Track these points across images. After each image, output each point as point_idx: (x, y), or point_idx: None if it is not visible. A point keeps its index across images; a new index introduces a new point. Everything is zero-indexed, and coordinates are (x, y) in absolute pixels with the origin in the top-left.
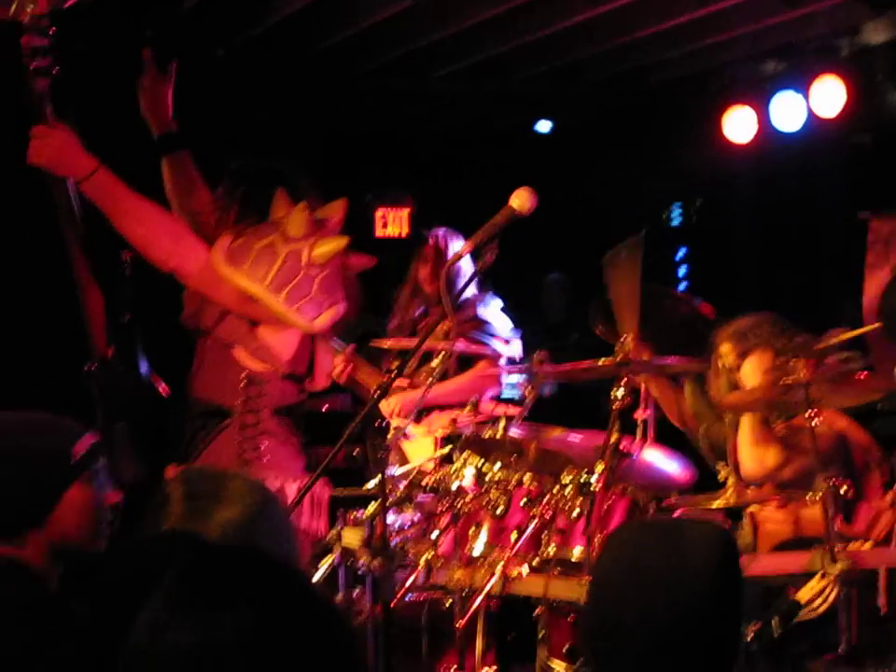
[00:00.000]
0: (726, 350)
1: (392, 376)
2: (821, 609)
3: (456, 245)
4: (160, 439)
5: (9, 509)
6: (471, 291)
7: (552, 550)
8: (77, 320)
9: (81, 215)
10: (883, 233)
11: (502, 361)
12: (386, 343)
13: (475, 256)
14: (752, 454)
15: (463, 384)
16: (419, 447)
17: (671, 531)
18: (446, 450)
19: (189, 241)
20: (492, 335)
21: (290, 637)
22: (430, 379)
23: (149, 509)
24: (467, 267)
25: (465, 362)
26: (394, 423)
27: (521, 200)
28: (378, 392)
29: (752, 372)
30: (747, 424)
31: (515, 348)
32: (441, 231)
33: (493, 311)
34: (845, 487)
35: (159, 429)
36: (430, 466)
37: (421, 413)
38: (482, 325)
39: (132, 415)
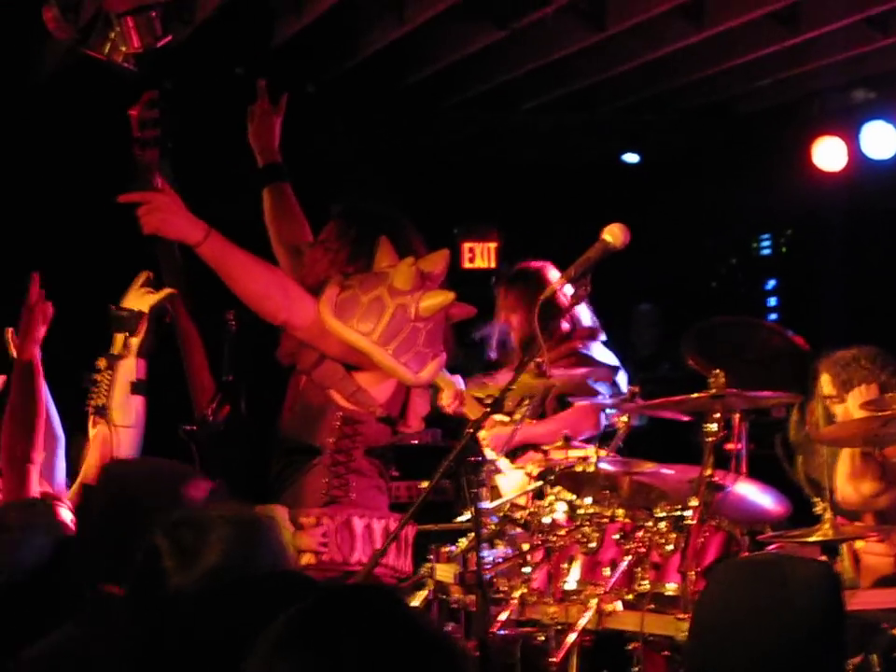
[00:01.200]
0: (825, 380)
1: (486, 412)
2: None
3: (553, 275)
4: (259, 494)
5: (121, 557)
6: (572, 325)
7: (646, 585)
8: (180, 380)
9: (186, 276)
10: None
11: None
12: (479, 392)
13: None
14: (849, 482)
15: (559, 423)
16: (512, 482)
17: (774, 569)
18: (538, 484)
19: (298, 294)
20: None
21: None
22: (520, 416)
23: (136, 561)
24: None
25: (563, 401)
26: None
27: (614, 234)
28: (472, 428)
29: (855, 407)
30: (846, 455)
31: (621, 385)
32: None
33: (597, 346)
34: None
35: (258, 485)
36: (523, 500)
37: (516, 452)
38: (582, 360)
39: (231, 473)
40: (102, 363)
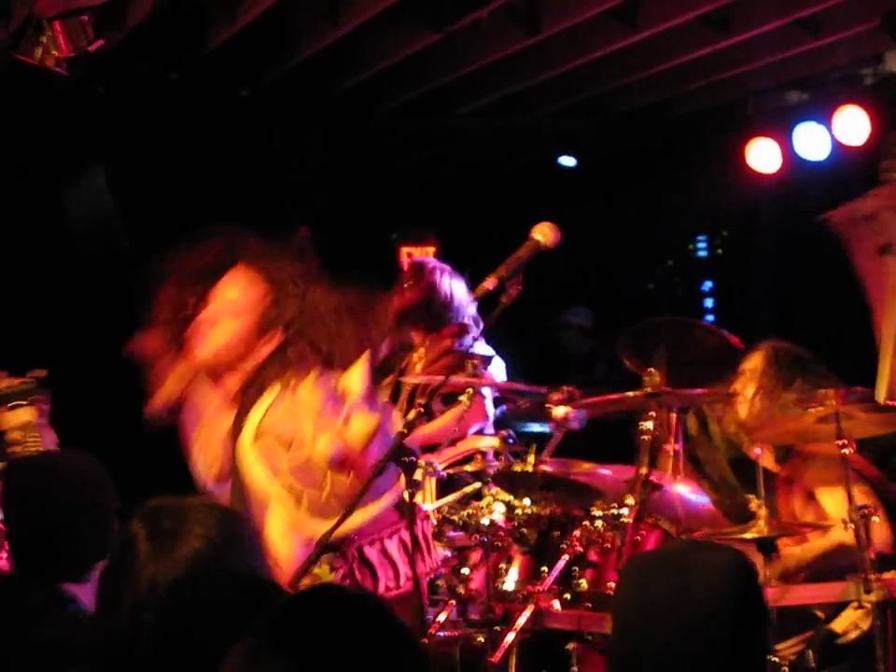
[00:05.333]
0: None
1: (419, 412)
2: (851, 636)
3: (445, 280)
4: None
5: (77, 553)
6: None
7: (583, 584)
8: None
9: None
10: (844, 225)
11: (486, 391)
12: (413, 379)
13: (500, 289)
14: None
15: (449, 422)
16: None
17: (678, 560)
18: (476, 485)
19: None
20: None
21: None
22: (460, 416)
23: (112, 549)
24: (462, 299)
25: (448, 399)
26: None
27: (544, 233)
28: (406, 429)
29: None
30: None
31: (499, 374)
32: (431, 262)
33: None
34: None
35: None
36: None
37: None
38: (457, 356)
39: None
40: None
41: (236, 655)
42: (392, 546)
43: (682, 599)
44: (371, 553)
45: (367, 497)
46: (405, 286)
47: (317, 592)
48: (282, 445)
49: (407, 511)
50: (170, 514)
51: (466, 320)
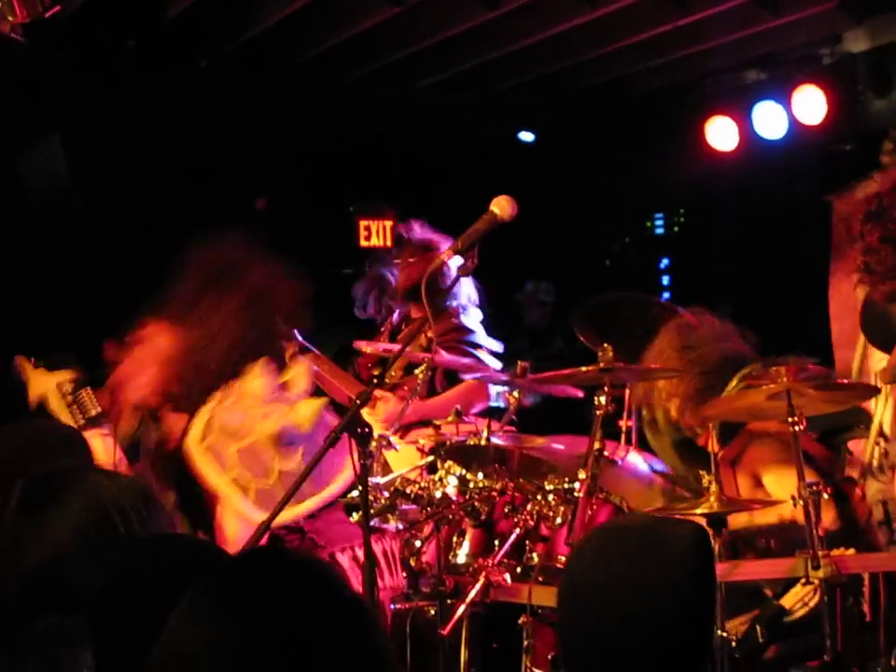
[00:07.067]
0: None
1: (374, 384)
2: (799, 614)
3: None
4: None
5: None
6: (454, 301)
7: (535, 558)
8: None
9: None
10: (843, 213)
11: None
12: (367, 348)
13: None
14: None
15: (451, 399)
16: (403, 457)
17: (645, 531)
18: (430, 459)
19: None
20: (477, 345)
21: (311, 650)
22: (413, 391)
23: None
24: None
25: (452, 376)
26: (377, 432)
27: (501, 207)
28: (359, 400)
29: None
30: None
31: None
32: (416, 226)
33: (473, 321)
34: (826, 493)
35: None
36: (414, 474)
37: (408, 428)
38: (465, 333)
39: None
40: None
41: (177, 614)
42: (362, 555)
43: (649, 569)
44: (343, 559)
45: (315, 485)
46: (410, 260)
47: (260, 554)
48: (228, 436)
49: (362, 525)
50: (49, 488)
51: (464, 299)
